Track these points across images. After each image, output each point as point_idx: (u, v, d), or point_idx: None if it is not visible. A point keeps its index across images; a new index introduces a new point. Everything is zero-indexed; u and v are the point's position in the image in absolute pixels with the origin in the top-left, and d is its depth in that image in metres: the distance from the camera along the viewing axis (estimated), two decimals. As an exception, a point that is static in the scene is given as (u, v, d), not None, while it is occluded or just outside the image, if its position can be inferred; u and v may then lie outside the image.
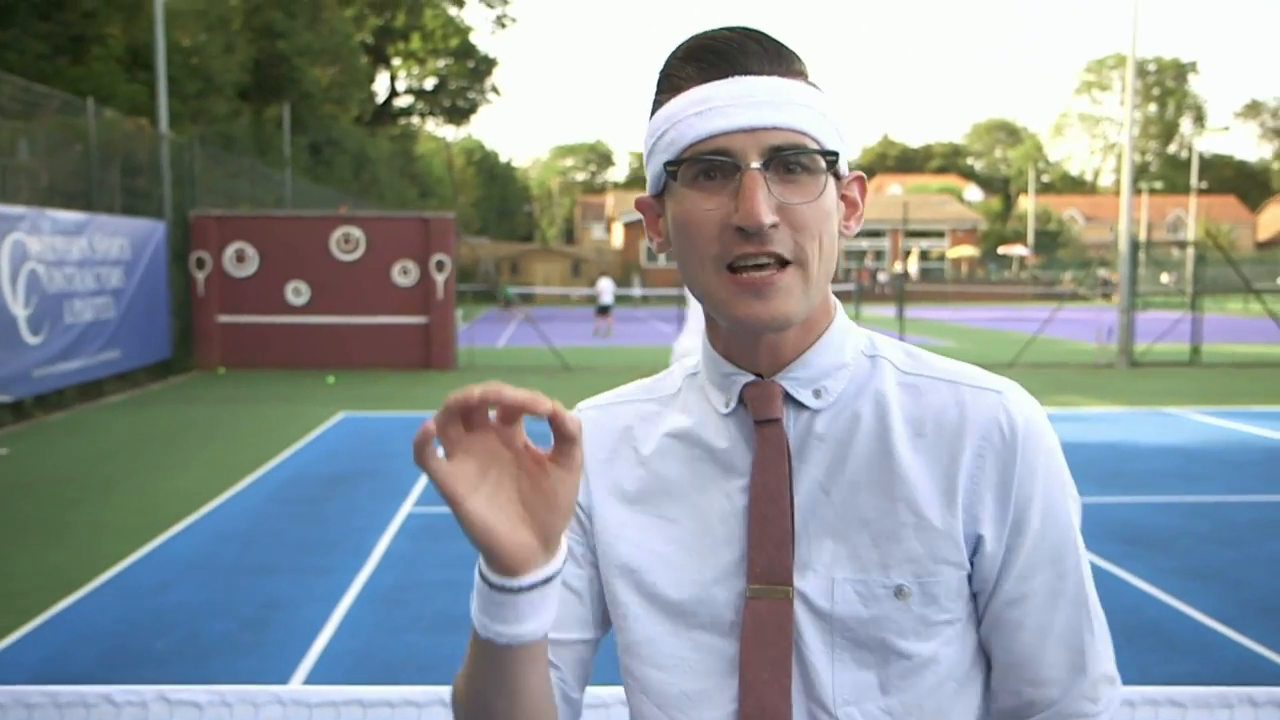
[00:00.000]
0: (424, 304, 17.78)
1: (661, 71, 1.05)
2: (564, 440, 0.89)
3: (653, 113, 1.05)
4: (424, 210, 29.12)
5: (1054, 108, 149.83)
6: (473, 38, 50.64)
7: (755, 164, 0.98)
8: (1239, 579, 6.09)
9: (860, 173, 1.10)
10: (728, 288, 1.00)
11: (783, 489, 1.04)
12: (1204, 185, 67.28)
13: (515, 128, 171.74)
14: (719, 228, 0.99)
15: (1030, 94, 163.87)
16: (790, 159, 0.99)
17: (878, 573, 1.02)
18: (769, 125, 0.98)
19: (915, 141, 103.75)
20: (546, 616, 0.95)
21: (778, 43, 1.03)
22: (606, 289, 26.98)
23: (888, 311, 31.29)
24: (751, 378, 1.07)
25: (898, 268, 46.47)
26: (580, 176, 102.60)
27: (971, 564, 1.04)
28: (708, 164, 0.99)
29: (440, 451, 0.89)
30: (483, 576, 0.93)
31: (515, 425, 0.90)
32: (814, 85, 1.04)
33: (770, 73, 1.00)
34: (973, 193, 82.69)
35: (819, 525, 1.04)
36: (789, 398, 1.06)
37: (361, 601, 5.77)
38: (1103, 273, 45.97)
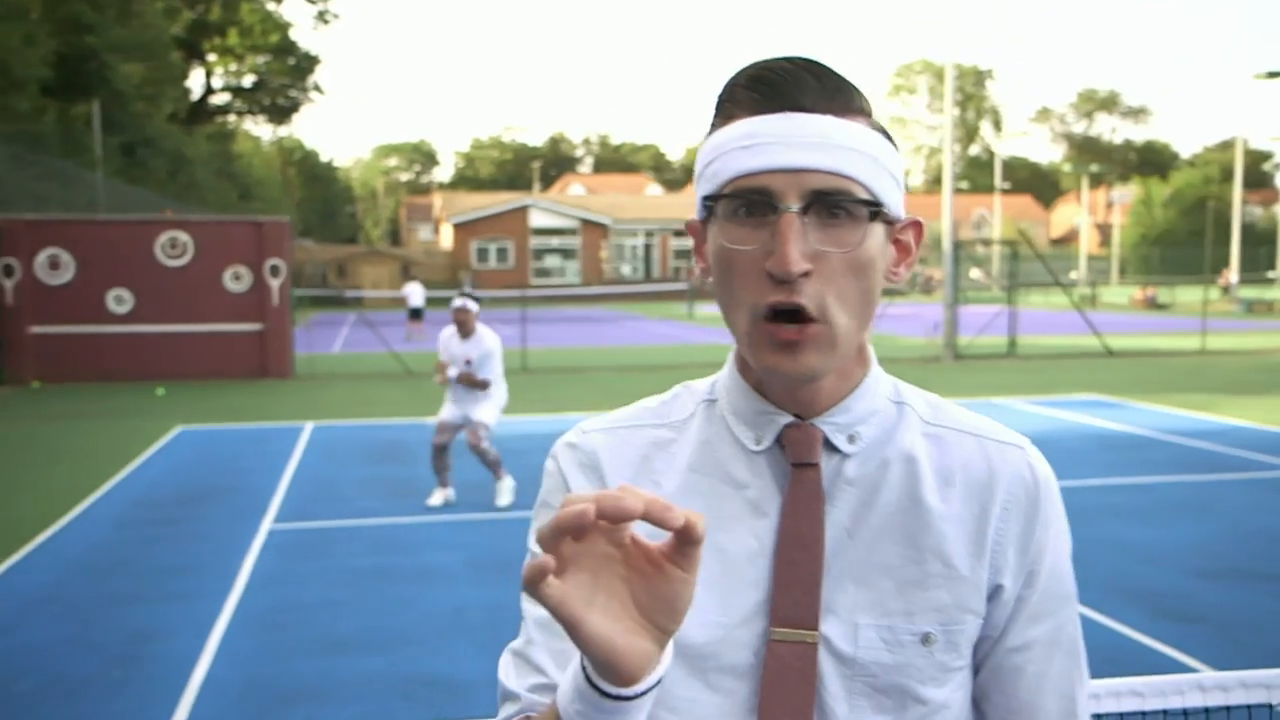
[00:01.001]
0: (259, 310, 17.12)
1: (719, 97, 1.03)
2: (689, 543, 0.82)
3: (707, 137, 1.03)
4: (249, 213, 28.01)
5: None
6: (293, 34, 49.07)
7: (794, 206, 0.96)
8: (1087, 561, 6.49)
9: (919, 219, 1.09)
10: (760, 334, 0.99)
11: (816, 534, 1.03)
12: (1006, 186, 71.36)
13: (336, 126, 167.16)
14: (753, 269, 0.98)
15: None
16: (832, 204, 0.97)
17: (903, 620, 1.03)
18: (813, 167, 0.96)
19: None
20: (648, 711, 0.90)
21: (838, 78, 1.01)
22: (415, 292, 26.47)
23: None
24: (790, 418, 1.06)
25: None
26: (405, 177, 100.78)
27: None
28: (747, 200, 0.98)
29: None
30: (593, 685, 0.86)
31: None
32: (874, 124, 1.03)
33: (825, 110, 0.98)
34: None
35: (841, 568, 1.04)
36: (825, 441, 1.06)
37: (237, 626, 5.52)
38: (920, 269, 48.12)
